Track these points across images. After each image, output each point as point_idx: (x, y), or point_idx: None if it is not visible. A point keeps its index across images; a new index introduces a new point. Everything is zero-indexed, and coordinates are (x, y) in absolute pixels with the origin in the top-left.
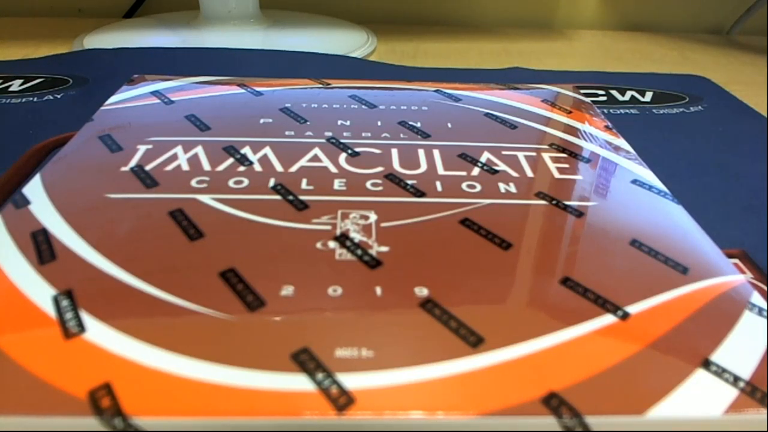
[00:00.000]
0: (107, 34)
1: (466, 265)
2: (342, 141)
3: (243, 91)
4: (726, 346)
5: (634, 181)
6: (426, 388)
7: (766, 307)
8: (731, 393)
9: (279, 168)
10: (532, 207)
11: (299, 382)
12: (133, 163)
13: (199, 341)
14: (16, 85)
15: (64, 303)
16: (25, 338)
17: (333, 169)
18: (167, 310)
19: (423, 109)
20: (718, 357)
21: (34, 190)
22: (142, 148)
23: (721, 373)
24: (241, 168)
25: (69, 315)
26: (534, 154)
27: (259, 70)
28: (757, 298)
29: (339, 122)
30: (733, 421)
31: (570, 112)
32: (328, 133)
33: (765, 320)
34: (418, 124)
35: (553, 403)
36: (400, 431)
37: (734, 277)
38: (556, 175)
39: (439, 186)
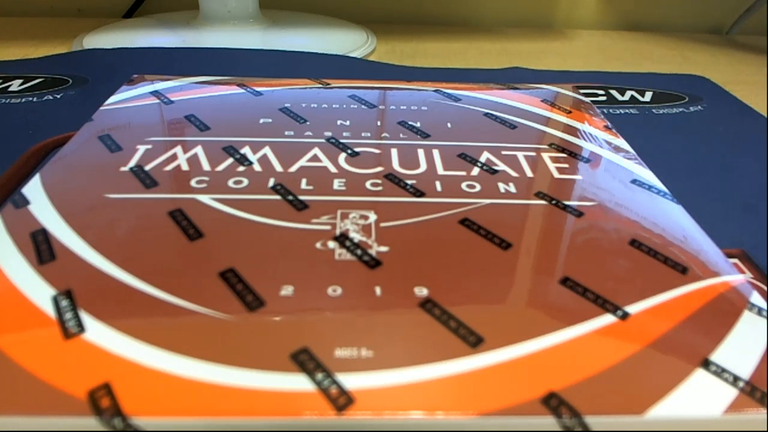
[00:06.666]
0: (107, 34)
1: (465, 265)
2: (341, 141)
3: (242, 91)
4: (725, 345)
5: (634, 181)
6: (425, 388)
7: (765, 307)
8: (731, 393)
9: (278, 168)
10: (532, 207)
11: (299, 382)
12: (132, 163)
13: (198, 341)
14: (15, 85)
15: (64, 303)
16: (24, 338)
17: (332, 169)
18: (167, 310)
19: (423, 109)
20: (717, 357)
21: (34, 190)
22: (141, 148)
23: (720, 372)
24: (241, 168)
25: (68, 315)
26: (533, 154)
27: (259, 70)
28: (756, 298)
29: (338, 122)
30: (732, 421)
31: (570, 112)
32: (328, 133)
33: (765, 320)
34: (418, 124)
35: (553, 403)
36: (400, 431)
37: (734, 277)
38: (556, 174)
39: (438, 186)
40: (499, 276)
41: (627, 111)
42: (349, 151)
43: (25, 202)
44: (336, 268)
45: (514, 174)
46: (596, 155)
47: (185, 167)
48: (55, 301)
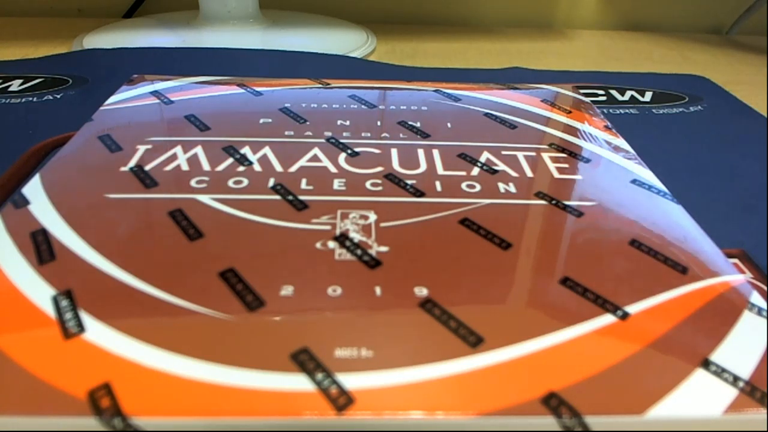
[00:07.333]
0: (107, 34)
1: (465, 265)
2: (341, 141)
3: (242, 91)
4: (725, 345)
5: (634, 181)
6: (425, 388)
7: (765, 307)
8: (731, 393)
9: (278, 168)
10: (532, 207)
11: (299, 382)
12: (132, 163)
13: (198, 341)
14: (15, 85)
15: (64, 303)
16: (24, 338)
17: (332, 169)
18: (167, 310)
19: (422, 109)
20: (717, 357)
21: (34, 190)
22: (141, 148)
23: (720, 372)
24: (241, 168)
25: (68, 315)
26: (533, 154)
27: (259, 70)
28: (756, 298)
29: (338, 122)
30: (732, 421)
31: (569, 112)
32: (328, 133)
33: (765, 320)
34: (418, 124)
35: (553, 403)
36: (400, 431)
37: (734, 277)
38: (556, 175)
39: (438, 186)
40: (499, 276)
41: (627, 111)
42: (349, 151)
43: (25, 202)
44: (336, 268)
45: (514, 174)
46: (596, 155)
47: (185, 167)
48: (55, 301)
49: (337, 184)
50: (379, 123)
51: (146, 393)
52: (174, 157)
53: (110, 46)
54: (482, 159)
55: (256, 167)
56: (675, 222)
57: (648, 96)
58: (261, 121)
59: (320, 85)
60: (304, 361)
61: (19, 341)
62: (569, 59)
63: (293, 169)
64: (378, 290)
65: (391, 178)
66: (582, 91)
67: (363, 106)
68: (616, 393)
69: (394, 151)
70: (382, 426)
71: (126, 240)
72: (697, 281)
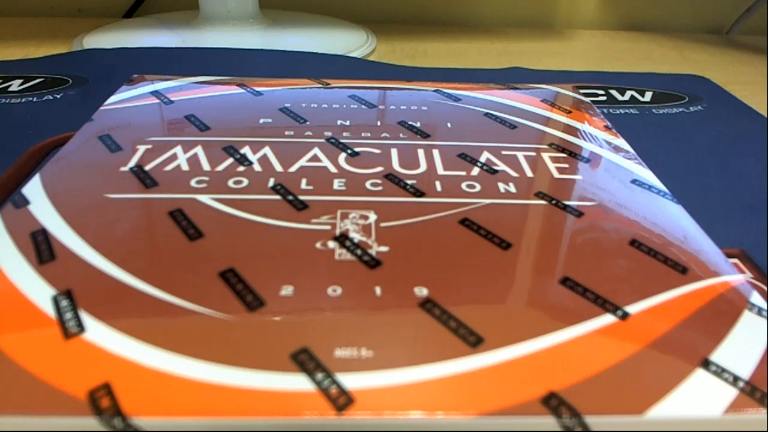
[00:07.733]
0: (107, 34)
1: (465, 265)
2: (341, 141)
3: (242, 91)
4: (725, 345)
5: (634, 181)
6: (425, 388)
7: (765, 307)
8: (731, 393)
9: (278, 168)
10: (532, 207)
11: (299, 382)
12: (132, 163)
13: (198, 341)
14: (15, 85)
15: (64, 303)
16: (24, 338)
17: (332, 169)
18: (167, 310)
19: (423, 109)
20: (717, 357)
21: (34, 190)
22: (141, 148)
23: (720, 372)
24: (241, 168)
25: (68, 315)
26: (533, 153)
27: (259, 69)
28: (756, 298)
29: (338, 122)
30: (732, 421)
31: (569, 112)
32: (328, 133)
33: (765, 320)
34: (418, 124)
35: (553, 402)
36: (400, 431)
37: (734, 277)
38: (556, 174)
39: (438, 186)
40: (499, 276)
41: (627, 111)
42: (349, 151)
43: (25, 202)
44: (336, 268)
45: (514, 174)
46: (596, 155)
47: (185, 167)
48: (55, 301)
49: (337, 184)
50: (379, 123)
51: (146, 393)
52: (174, 157)
53: (110, 46)
54: (482, 159)
55: (256, 167)
56: (675, 222)
57: (648, 96)
58: (261, 121)
59: (320, 85)
60: (304, 361)
61: (19, 341)
62: (569, 59)
63: (293, 169)
64: (378, 290)
65: (391, 178)
66: (582, 91)
67: (363, 106)
68: (616, 393)
69: (394, 151)
70: (382, 426)
71: (126, 240)
72: (697, 281)
